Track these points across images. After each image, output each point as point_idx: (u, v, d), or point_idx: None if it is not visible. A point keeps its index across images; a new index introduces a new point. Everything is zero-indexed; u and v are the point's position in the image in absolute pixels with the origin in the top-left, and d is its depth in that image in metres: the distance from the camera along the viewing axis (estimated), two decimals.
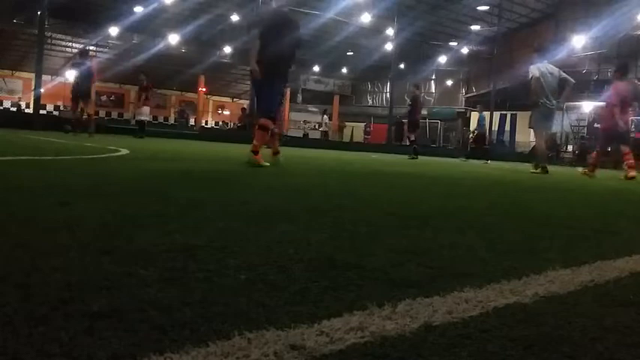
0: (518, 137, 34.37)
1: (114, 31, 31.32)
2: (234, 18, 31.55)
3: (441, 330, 1.01)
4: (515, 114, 33.95)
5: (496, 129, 32.66)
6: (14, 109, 32.03)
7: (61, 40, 32.70)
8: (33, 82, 20.67)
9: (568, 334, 1.03)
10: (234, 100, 44.57)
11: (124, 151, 7.00)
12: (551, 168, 10.31)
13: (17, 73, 34.92)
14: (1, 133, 11.57)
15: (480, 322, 1.06)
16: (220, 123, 41.10)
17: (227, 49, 35.37)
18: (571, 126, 32.05)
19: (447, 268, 1.50)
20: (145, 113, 16.63)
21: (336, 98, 41.60)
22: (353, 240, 1.86)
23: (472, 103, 36.74)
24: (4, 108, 32.59)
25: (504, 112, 33.53)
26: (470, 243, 1.95)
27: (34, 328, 0.88)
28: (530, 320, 1.09)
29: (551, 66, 9.53)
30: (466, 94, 39.14)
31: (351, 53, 39.17)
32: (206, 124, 40.53)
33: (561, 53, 31.64)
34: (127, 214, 2.09)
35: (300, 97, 41.18)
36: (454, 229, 2.28)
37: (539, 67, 9.42)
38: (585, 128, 32.00)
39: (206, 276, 1.25)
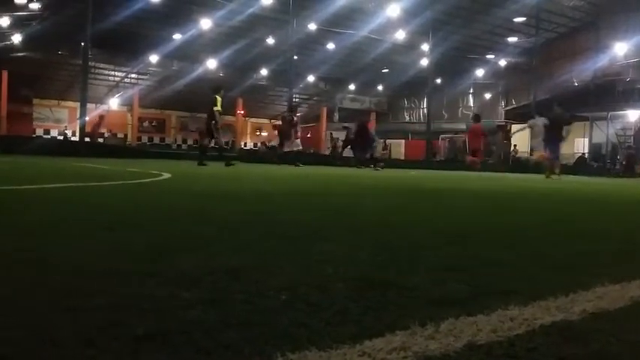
0: (562, 149, 33.46)
1: (154, 58, 32.24)
2: (270, 41, 32.05)
3: (485, 349, 0.99)
4: None
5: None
6: (61, 137, 33.13)
7: (104, 69, 33.79)
8: (78, 111, 21.37)
9: (618, 352, 1.00)
10: (272, 121, 45.05)
11: (167, 175, 7.15)
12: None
13: (63, 103, 36.12)
14: (49, 161, 11.98)
15: (526, 341, 1.04)
16: (259, 144, 41.53)
17: (263, 72, 35.92)
18: (616, 135, 31.12)
19: (490, 286, 1.47)
20: (298, 144, 18.26)
21: (373, 115, 41.60)
22: (393, 258, 1.84)
23: (512, 115, 36.14)
24: (52, 137, 33.75)
25: (546, 124, 32.80)
26: (513, 259, 1.91)
27: (82, 350, 0.90)
28: (578, 338, 1.06)
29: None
30: (505, 106, 38.53)
31: (387, 70, 39.18)
32: (245, 145, 41.05)
33: (602, 61, 30.94)
34: (170, 238, 2.14)
35: (337, 116, 41.33)
36: (496, 246, 2.24)
37: None
38: (632, 138, 30.98)
39: (248, 297, 1.27)
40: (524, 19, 30.91)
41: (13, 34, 27.47)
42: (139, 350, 0.91)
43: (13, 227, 2.31)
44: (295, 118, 18.75)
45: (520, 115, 32.11)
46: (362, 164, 18.34)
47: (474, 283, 1.49)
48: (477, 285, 1.47)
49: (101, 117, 32.13)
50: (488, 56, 36.46)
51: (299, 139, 18.27)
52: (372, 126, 18.91)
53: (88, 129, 23.86)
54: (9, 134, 24.66)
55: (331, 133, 37.20)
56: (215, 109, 13.26)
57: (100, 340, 0.95)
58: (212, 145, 13.81)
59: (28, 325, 1.01)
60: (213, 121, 13.37)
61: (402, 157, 32.55)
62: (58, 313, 1.10)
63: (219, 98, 13.36)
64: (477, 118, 17.63)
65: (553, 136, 14.20)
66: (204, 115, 13.96)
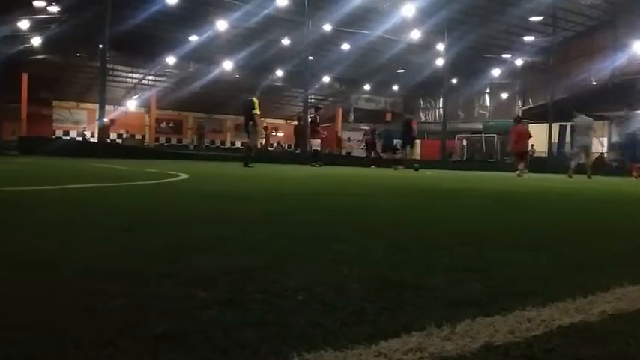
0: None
1: (171, 60, 32.51)
2: (286, 42, 32.13)
3: (503, 350, 0.98)
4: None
5: (556, 141, 31.61)
6: (79, 138, 33.50)
7: (122, 71, 34.14)
8: (97, 113, 21.58)
9: (637, 353, 0.99)
10: (287, 121, 45.16)
11: (184, 176, 7.19)
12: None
13: (82, 104, 36.56)
14: (68, 162, 12.12)
15: (544, 342, 1.03)
16: (275, 145, 41.58)
17: (279, 73, 36.01)
18: (636, 135, 30.64)
19: (507, 287, 1.46)
20: (317, 144, 18.38)
21: (388, 116, 41.51)
22: (409, 259, 1.84)
23: (530, 115, 35.83)
24: (71, 138, 34.15)
25: (564, 124, 32.45)
26: (531, 260, 1.90)
27: (101, 350, 0.92)
28: (597, 340, 1.05)
29: None
30: (522, 106, 38.22)
31: (402, 70, 39.06)
32: (260, 146, 41.16)
33: (621, 60, 30.53)
34: (187, 238, 2.15)
35: (352, 117, 41.30)
36: (513, 246, 2.22)
37: None
38: None
39: (264, 297, 1.27)
40: (540, 17, 30.62)
41: (32, 37, 27.86)
42: (158, 349, 0.92)
43: (33, 228, 2.34)
44: (318, 118, 18.98)
45: (537, 115, 31.80)
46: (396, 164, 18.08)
47: (490, 283, 1.48)
48: (493, 285, 1.46)
49: (111, 120, 32.48)
50: (505, 55, 36.17)
51: (319, 140, 18.37)
52: (415, 125, 18.75)
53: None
54: (29, 135, 25.01)
55: (336, 132, 37.33)
56: (254, 111, 13.43)
57: (118, 340, 0.96)
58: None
59: (48, 326, 1.03)
60: (251, 122, 13.54)
61: (418, 157, 32.43)
62: (77, 313, 1.12)
63: (256, 101, 13.52)
64: (519, 119, 17.29)
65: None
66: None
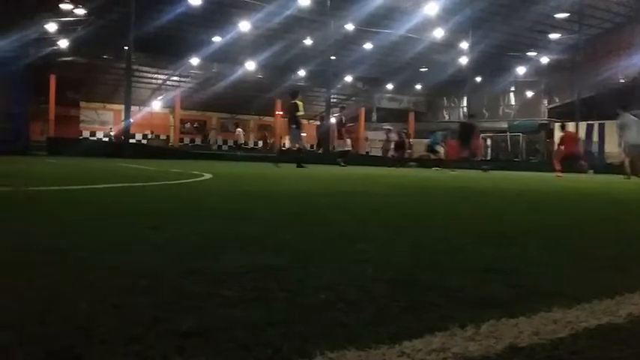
0: (608, 147, 32.47)
1: (195, 61, 32.82)
2: (308, 42, 32.19)
3: (527, 352, 0.97)
4: (603, 123, 32.17)
5: (583, 140, 31.09)
6: (106, 139, 34.00)
7: (146, 72, 34.56)
8: (122, 113, 21.89)
9: None
10: (310, 121, 45.22)
11: (208, 176, 7.26)
12: None
13: (108, 106, 37.09)
14: (95, 162, 12.31)
15: (570, 344, 1.01)
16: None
17: (302, 73, 36.07)
18: None
19: (532, 288, 1.45)
20: (348, 145, 18.93)
21: (411, 115, 41.27)
22: (433, 259, 1.83)
23: (556, 114, 35.29)
24: (98, 138, 34.69)
25: (591, 122, 31.93)
26: (557, 261, 1.87)
27: (129, 346, 0.93)
28: (624, 342, 1.04)
29: None
30: (548, 105, 37.66)
31: (425, 69, 38.81)
32: (283, 146, 41.29)
33: None
34: (212, 237, 2.17)
35: (374, 116, 41.14)
36: (540, 247, 2.19)
37: None
38: None
39: (287, 296, 1.28)
40: (566, 14, 30.15)
41: (59, 40, 28.39)
42: (184, 346, 0.94)
43: (61, 226, 2.39)
44: (344, 118, 19.21)
45: (564, 114, 31.31)
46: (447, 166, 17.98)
47: (515, 284, 1.47)
48: (518, 286, 1.44)
49: None
50: (530, 53, 35.70)
51: (350, 140, 18.53)
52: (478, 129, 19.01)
53: (116, 133, 24.88)
54: (57, 136, 25.48)
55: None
56: (298, 113, 13.49)
57: (145, 337, 0.98)
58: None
59: (76, 322, 1.05)
60: (294, 126, 13.61)
61: (442, 157, 32.14)
62: (104, 309, 1.14)
63: (300, 103, 13.59)
64: (564, 125, 17.99)
65: None
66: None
